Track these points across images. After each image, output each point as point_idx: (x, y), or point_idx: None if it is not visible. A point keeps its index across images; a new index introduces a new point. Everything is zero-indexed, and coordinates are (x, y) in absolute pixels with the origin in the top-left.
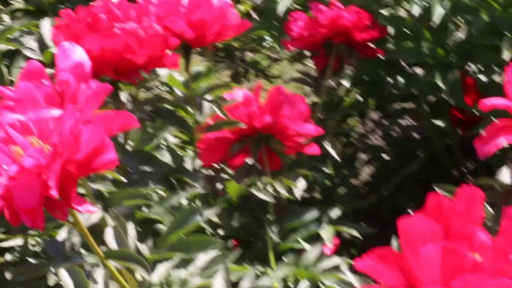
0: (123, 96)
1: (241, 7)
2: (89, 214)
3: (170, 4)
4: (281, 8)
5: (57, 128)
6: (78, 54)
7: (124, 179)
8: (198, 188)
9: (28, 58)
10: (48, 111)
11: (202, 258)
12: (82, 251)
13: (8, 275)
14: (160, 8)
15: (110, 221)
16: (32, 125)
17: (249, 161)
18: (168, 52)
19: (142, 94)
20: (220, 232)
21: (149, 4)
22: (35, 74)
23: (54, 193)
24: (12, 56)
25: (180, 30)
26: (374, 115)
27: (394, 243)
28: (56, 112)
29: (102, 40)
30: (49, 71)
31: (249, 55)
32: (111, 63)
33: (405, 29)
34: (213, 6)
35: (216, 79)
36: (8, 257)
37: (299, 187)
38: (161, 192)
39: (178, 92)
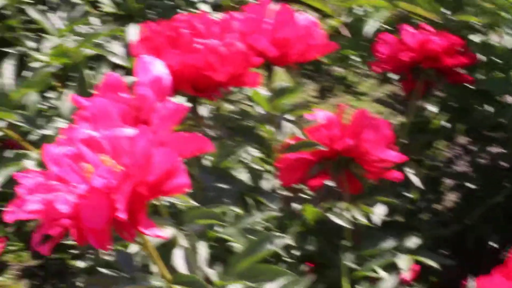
0: (204, 109)
1: (332, 22)
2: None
3: (255, 20)
4: (368, 29)
5: (129, 148)
6: (158, 68)
7: (194, 203)
8: (274, 210)
9: (113, 64)
10: (122, 129)
11: (273, 287)
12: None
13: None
14: (244, 24)
15: (181, 240)
16: (105, 142)
17: (328, 182)
18: (250, 70)
19: (225, 106)
20: (294, 252)
21: (233, 19)
22: (113, 87)
23: (122, 215)
24: (98, 60)
25: (263, 48)
26: (462, 139)
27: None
28: (129, 131)
29: (183, 55)
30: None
31: (337, 70)
32: (190, 79)
33: (495, 58)
34: (298, 24)
35: (301, 95)
36: (81, 264)
37: (378, 213)
38: (237, 210)
39: (260, 109)
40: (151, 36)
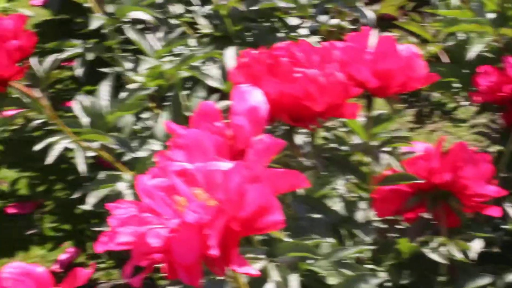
0: (299, 137)
1: (431, 48)
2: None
3: (355, 50)
4: (471, 55)
5: (223, 183)
6: (256, 97)
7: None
8: (368, 244)
9: (208, 87)
10: (216, 163)
11: None
12: None
13: None
14: (345, 53)
15: (273, 273)
16: (198, 175)
17: (424, 215)
18: (349, 100)
19: (320, 132)
20: (388, 285)
21: (333, 48)
22: (208, 115)
23: (214, 252)
24: (193, 81)
25: (363, 78)
26: None
27: None
28: (224, 165)
29: (282, 84)
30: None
31: (435, 95)
32: (288, 108)
33: None
34: (400, 55)
35: (398, 121)
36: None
37: (475, 248)
38: (330, 241)
39: (357, 138)
40: (249, 63)
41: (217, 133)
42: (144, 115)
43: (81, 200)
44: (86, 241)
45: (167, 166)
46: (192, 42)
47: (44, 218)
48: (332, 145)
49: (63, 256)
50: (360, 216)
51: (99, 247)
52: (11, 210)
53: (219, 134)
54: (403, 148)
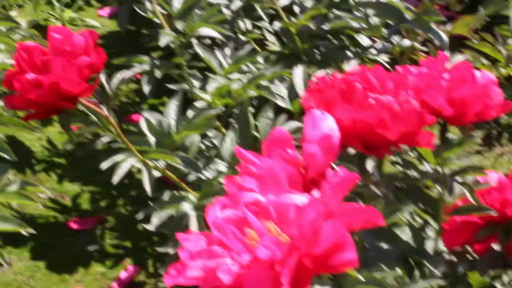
0: (369, 164)
1: (503, 70)
2: None
3: (431, 76)
4: None
5: (297, 218)
6: (328, 124)
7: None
8: (438, 278)
9: (276, 106)
10: (290, 196)
11: None
12: None
13: None
14: (419, 79)
15: None
16: (271, 208)
17: (496, 247)
18: (423, 128)
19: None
20: None
21: (407, 73)
22: (280, 142)
23: None
24: (260, 99)
25: (439, 106)
26: None
27: None
28: (298, 198)
29: (355, 111)
30: (294, 125)
31: (504, 117)
32: (361, 135)
33: None
34: (477, 83)
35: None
36: None
37: None
38: (399, 273)
39: (428, 166)
40: (322, 88)
41: (289, 161)
42: (210, 133)
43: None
44: (146, 259)
45: (239, 197)
46: (259, 58)
47: (105, 234)
48: (400, 168)
49: (123, 274)
50: (429, 246)
51: (168, 281)
52: (72, 225)
53: (292, 162)
54: (477, 178)
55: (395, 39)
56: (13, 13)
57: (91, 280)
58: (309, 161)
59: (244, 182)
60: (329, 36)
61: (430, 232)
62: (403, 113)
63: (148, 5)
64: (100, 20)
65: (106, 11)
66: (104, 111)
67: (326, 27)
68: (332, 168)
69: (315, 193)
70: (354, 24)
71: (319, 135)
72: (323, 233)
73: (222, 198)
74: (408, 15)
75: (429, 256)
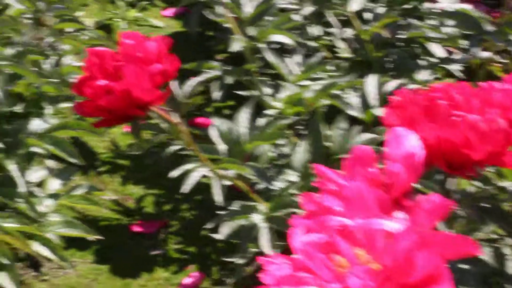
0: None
1: None
2: None
3: None
4: None
5: (390, 247)
6: (412, 142)
7: None
8: None
9: (348, 116)
10: (380, 221)
11: None
12: None
13: None
14: (505, 96)
15: None
16: (359, 233)
17: None
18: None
19: None
20: None
21: (492, 90)
22: (363, 160)
23: None
24: (330, 108)
25: None
26: None
27: None
28: (390, 224)
29: (440, 129)
30: (369, 137)
31: None
32: (445, 155)
33: None
34: None
35: None
36: None
37: None
38: None
39: (507, 183)
40: (404, 104)
41: (372, 180)
42: (280, 141)
43: (207, 222)
44: (211, 265)
45: (326, 222)
46: (330, 67)
47: (169, 239)
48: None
49: (186, 280)
50: (510, 268)
51: None
52: (136, 229)
53: (374, 181)
54: None
55: (475, 50)
56: (79, 14)
57: (155, 285)
58: (392, 180)
59: (325, 201)
60: (400, 44)
61: (507, 250)
62: (489, 132)
63: (218, 9)
64: (164, 20)
65: (170, 11)
66: (176, 118)
67: (403, 35)
68: (414, 188)
69: (400, 214)
70: (432, 34)
71: (403, 154)
72: (417, 264)
73: (303, 219)
74: (488, 26)
75: (510, 278)
